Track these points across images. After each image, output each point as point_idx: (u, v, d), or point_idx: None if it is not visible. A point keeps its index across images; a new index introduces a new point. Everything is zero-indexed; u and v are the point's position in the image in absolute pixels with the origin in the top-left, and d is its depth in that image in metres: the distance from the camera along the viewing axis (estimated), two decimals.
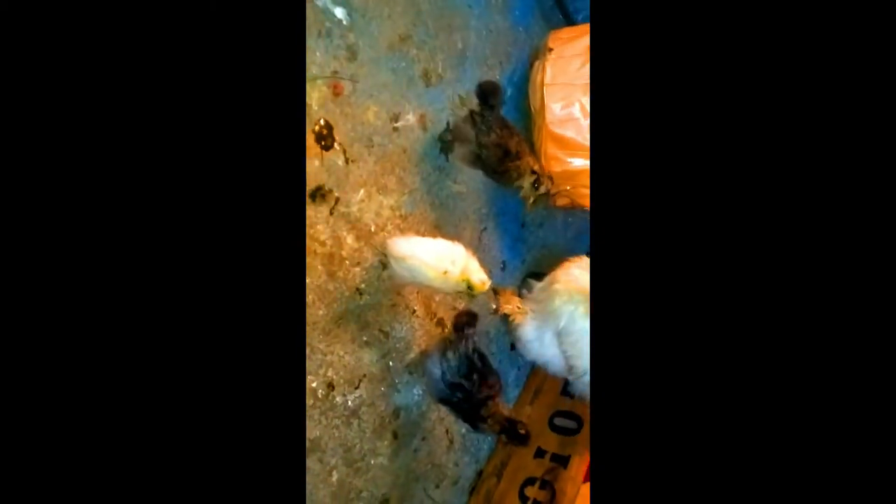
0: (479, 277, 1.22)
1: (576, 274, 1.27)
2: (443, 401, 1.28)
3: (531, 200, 1.70)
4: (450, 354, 1.24)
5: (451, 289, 1.20)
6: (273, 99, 0.56)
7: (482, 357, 1.26)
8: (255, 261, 0.55)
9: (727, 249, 0.55)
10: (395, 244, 1.18)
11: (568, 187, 1.57)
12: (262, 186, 0.56)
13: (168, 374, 0.53)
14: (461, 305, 1.54)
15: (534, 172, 1.37)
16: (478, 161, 1.38)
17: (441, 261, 1.17)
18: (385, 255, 1.26)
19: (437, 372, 1.24)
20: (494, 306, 1.58)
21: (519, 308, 1.42)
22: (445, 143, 1.44)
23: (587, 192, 1.58)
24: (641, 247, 0.57)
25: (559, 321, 1.19)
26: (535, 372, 1.86)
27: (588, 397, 1.33)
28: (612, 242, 0.58)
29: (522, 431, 1.25)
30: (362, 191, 1.25)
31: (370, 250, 1.28)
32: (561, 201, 1.63)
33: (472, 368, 1.21)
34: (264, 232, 0.56)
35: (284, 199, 0.57)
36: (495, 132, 1.31)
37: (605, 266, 0.59)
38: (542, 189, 1.39)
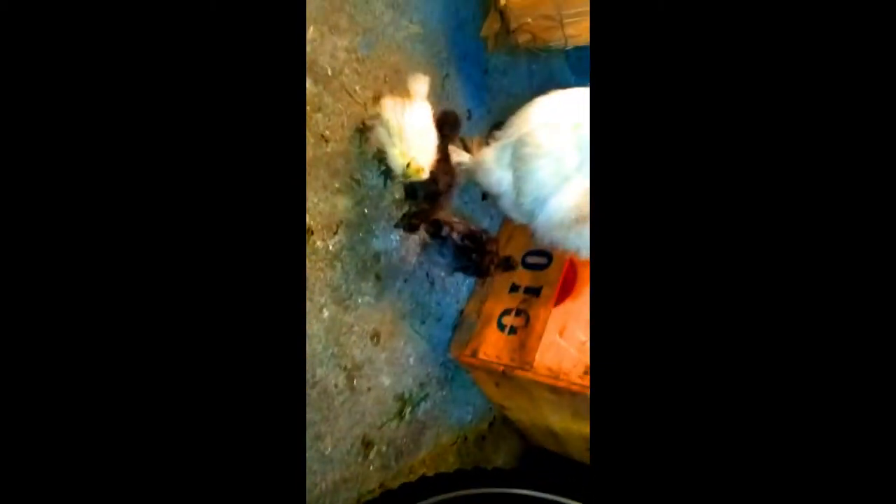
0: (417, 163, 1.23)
1: (548, 102, 1.27)
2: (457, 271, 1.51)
3: (492, 41, 1.66)
4: (445, 251, 1.38)
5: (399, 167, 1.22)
6: None
7: (471, 236, 1.37)
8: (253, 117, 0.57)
9: (730, 89, 0.53)
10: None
11: (529, 20, 1.50)
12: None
13: (172, 233, 0.55)
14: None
15: None
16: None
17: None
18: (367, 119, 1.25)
19: (442, 261, 1.42)
20: (466, 156, 1.59)
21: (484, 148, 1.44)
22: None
23: (549, 24, 1.52)
24: (641, 80, 0.55)
25: (521, 128, 1.21)
26: (506, 222, 1.95)
27: (548, 243, 1.43)
28: (611, 75, 0.57)
29: (513, 263, 1.56)
30: (312, 28, 1.19)
31: (330, 95, 1.25)
32: (522, 38, 1.57)
33: (468, 250, 1.37)
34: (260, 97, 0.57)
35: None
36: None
37: (603, 99, 0.58)
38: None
